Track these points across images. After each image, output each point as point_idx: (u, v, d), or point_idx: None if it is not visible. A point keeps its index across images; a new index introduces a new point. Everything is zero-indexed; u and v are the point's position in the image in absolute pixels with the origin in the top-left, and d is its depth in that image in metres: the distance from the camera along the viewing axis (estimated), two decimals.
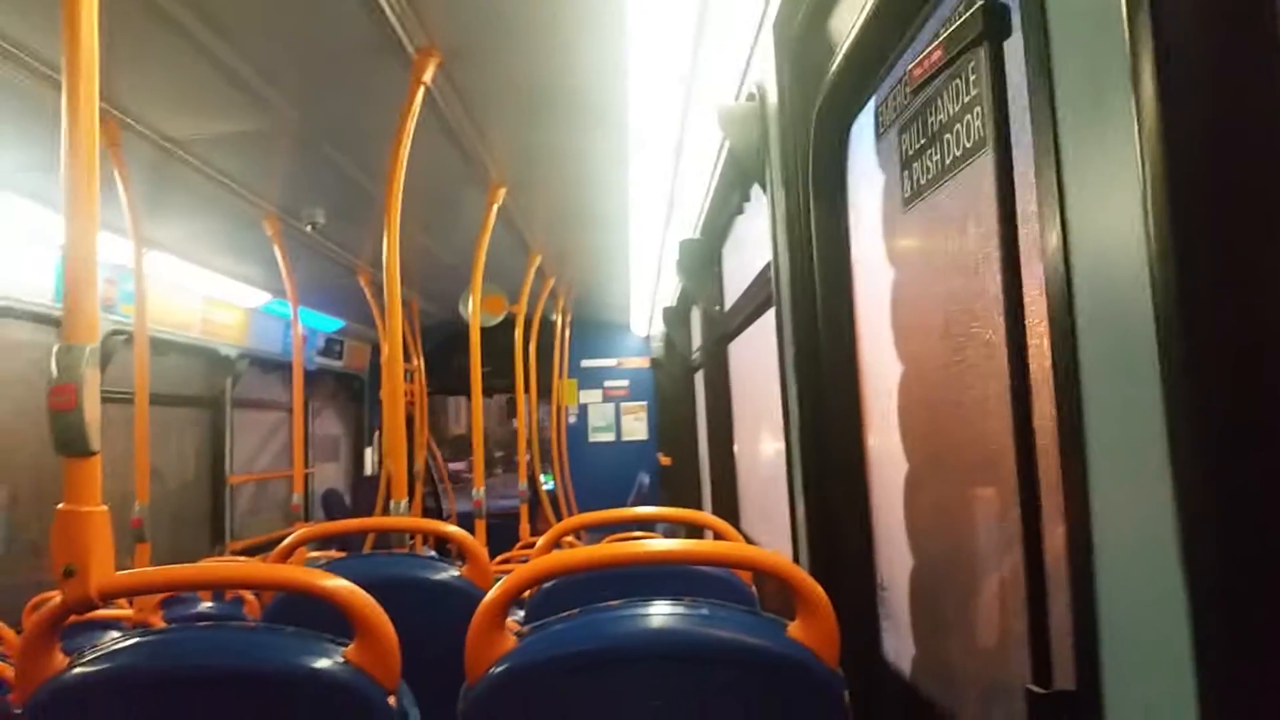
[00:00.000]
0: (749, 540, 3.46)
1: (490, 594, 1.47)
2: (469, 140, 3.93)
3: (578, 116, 3.66)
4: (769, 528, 3.45)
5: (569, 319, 9.17)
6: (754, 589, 2.23)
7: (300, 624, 1.55)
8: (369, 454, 9.75)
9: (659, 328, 7.72)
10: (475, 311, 4.71)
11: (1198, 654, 0.66)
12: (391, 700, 1.46)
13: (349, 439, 10.00)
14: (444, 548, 5.30)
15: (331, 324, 8.46)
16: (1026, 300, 1.00)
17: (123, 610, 3.60)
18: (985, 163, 1.12)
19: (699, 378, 5.66)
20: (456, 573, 2.31)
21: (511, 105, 3.62)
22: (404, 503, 3.09)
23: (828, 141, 1.87)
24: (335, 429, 9.81)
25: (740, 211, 3.43)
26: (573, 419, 10.06)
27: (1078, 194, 0.84)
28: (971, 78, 1.26)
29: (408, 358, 8.13)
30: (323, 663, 1.45)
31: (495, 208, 4.56)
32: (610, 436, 10.14)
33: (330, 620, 1.51)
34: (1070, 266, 0.85)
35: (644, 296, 7.74)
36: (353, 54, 3.07)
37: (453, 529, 2.41)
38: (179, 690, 1.45)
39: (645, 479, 9.16)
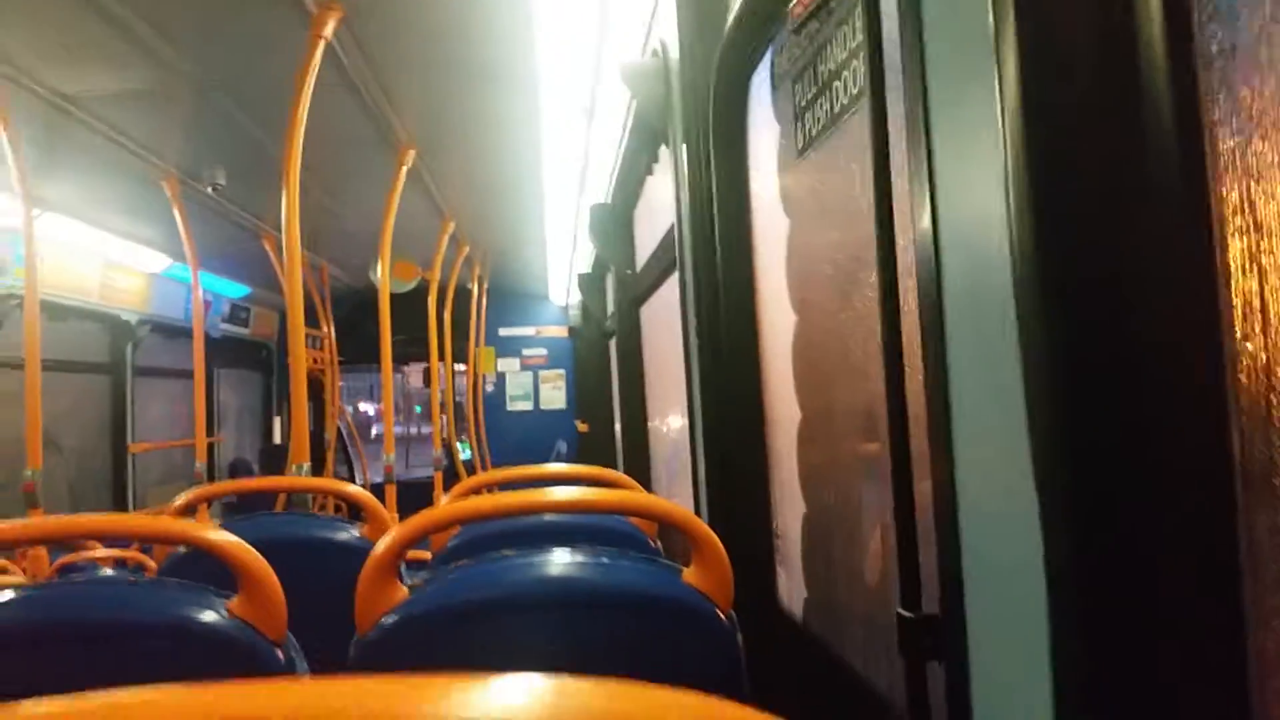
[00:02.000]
0: None
1: (380, 544, 1.45)
2: (375, 99, 3.84)
3: (487, 77, 3.60)
4: (680, 490, 3.48)
5: (485, 287, 9.08)
6: (658, 543, 2.25)
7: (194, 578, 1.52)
8: (278, 423, 9.54)
9: (577, 297, 7.70)
10: (384, 277, 4.63)
11: (1049, 580, 0.70)
12: (279, 653, 1.44)
13: (257, 408, 9.76)
14: (361, 516, 5.21)
15: (237, 290, 8.22)
16: (900, 250, 1.02)
17: (15, 577, 3.48)
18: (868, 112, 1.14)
19: (614, 344, 5.67)
20: (357, 533, 2.29)
21: (419, 64, 3.54)
22: (305, 466, 3.04)
23: (727, 95, 1.88)
24: (243, 397, 9.57)
25: (650, 172, 3.44)
26: (490, 388, 10.00)
27: (943, 153, 0.86)
28: (857, 24, 1.27)
29: (317, 324, 7.95)
30: (206, 615, 1.42)
31: (405, 170, 4.48)
32: (528, 405, 10.11)
33: (224, 579, 1.48)
34: (937, 222, 0.87)
35: (561, 264, 7.70)
36: (250, 7, 2.97)
37: (352, 488, 2.38)
38: (55, 646, 1.40)
39: (563, 446, 9.17)
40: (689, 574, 1.48)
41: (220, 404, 8.70)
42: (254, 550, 1.48)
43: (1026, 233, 0.70)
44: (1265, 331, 0.64)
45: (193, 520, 2.33)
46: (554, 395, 10.14)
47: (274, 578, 1.48)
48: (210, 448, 7.17)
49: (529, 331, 10.14)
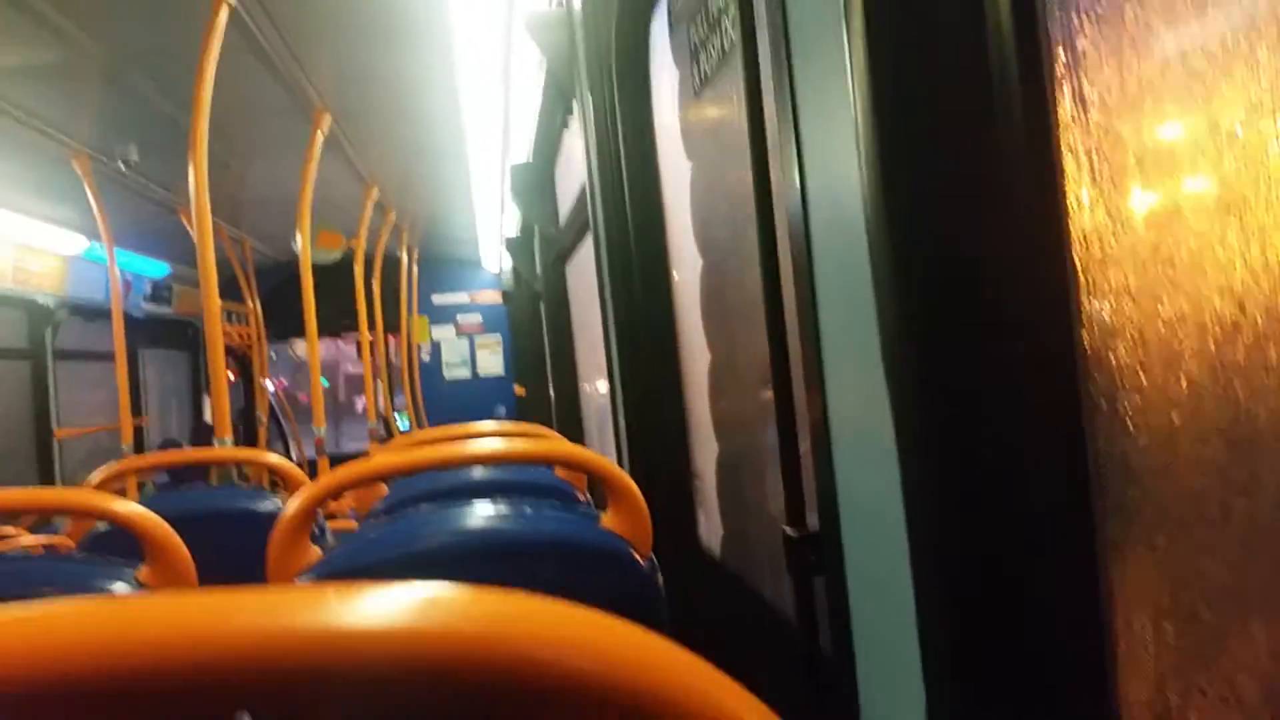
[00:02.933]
0: None
1: (289, 506, 1.44)
2: (286, 64, 3.75)
3: (398, 36, 3.53)
4: (612, 446, 3.50)
5: (415, 255, 8.95)
6: (588, 496, 2.27)
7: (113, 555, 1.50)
8: (208, 401, 9.34)
9: (509, 261, 7.63)
10: (305, 246, 4.54)
11: (906, 501, 0.74)
12: None
13: (186, 388, 9.54)
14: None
15: (159, 268, 7.99)
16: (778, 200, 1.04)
17: None
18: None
19: (543, 304, 5.66)
20: (281, 502, 2.27)
21: (328, 25, 3.46)
22: (228, 439, 3.00)
23: (628, 41, 1.87)
24: (172, 377, 9.34)
25: (565, 126, 3.41)
26: (426, 357, 9.89)
27: (806, 107, 0.87)
28: None
29: (241, 299, 7.78)
30: (111, 585, 1.40)
31: (321, 136, 4.38)
32: (466, 373, 10.03)
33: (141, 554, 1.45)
34: (804, 176, 0.89)
35: (491, 229, 7.62)
36: None
37: (271, 456, 2.36)
38: None
39: (502, 411, 9.15)
40: (606, 519, 1.49)
41: (148, 384, 8.49)
42: (159, 519, 1.46)
43: (875, 189, 0.72)
44: (1105, 267, 0.67)
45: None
46: (491, 361, 10.07)
47: (182, 546, 1.46)
48: (139, 429, 7.00)
49: (463, 298, 10.04)
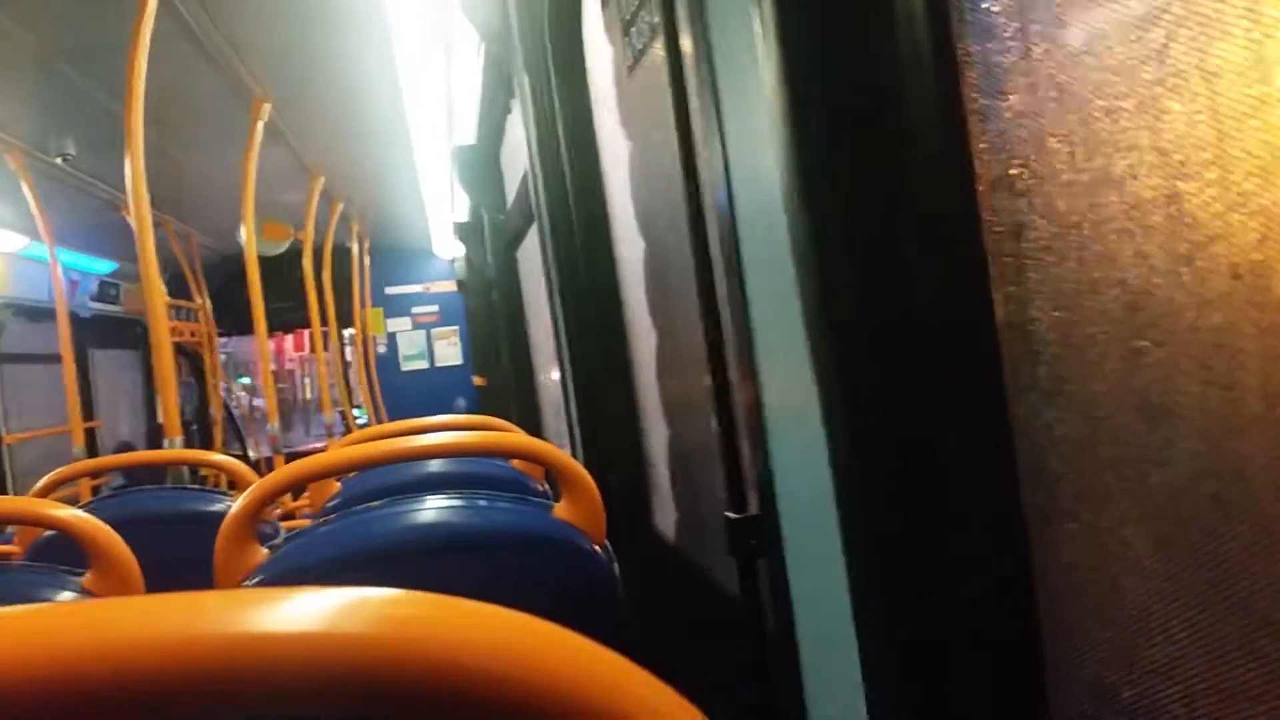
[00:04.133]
0: None
1: (235, 506, 1.42)
2: (221, 51, 3.67)
3: (335, 19, 3.47)
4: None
5: (366, 245, 8.84)
6: (545, 488, 2.25)
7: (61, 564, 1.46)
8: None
9: (462, 248, 7.56)
10: (250, 239, 4.47)
11: (835, 481, 0.75)
12: None
13: (138, 388, 9.36)
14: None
15: (105, 266, 7.81)
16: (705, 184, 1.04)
17: None
18: None
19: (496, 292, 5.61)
20: (232, 503, 2.23)
21: (263, 10, 3.39)
22: (178, 440, 2.95)
23: (563, 18, 1.85)
24: (124, 377, 9.15)
25: (509, 110, 3.37)
26: (382, 349, 9.78)
27: (728, 91, 0.87)
28: None
29: (190, 296, 7.64)
30: (58, 595, 1.37)
31: (260, 124, 4.30)
32: (423, 364, 9.94)
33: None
34: (728, 161, 0.89)
35: (442, 216, 7.53)
36: None
37: (219, 457, 2.32)
38: None
39: (462, 403, 9.08)
40: (559, 509, 1.48)
41: (99, 385, 8.31)
42: (102, 525, 1.43)
43: (791, 179, 0.72)
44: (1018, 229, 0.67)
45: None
46: (449, 352, 9.99)
47: (126, 551, 1.43)
48: (91, 432, 6.86)
49: (417, 288, 9.93)
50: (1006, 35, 0.66)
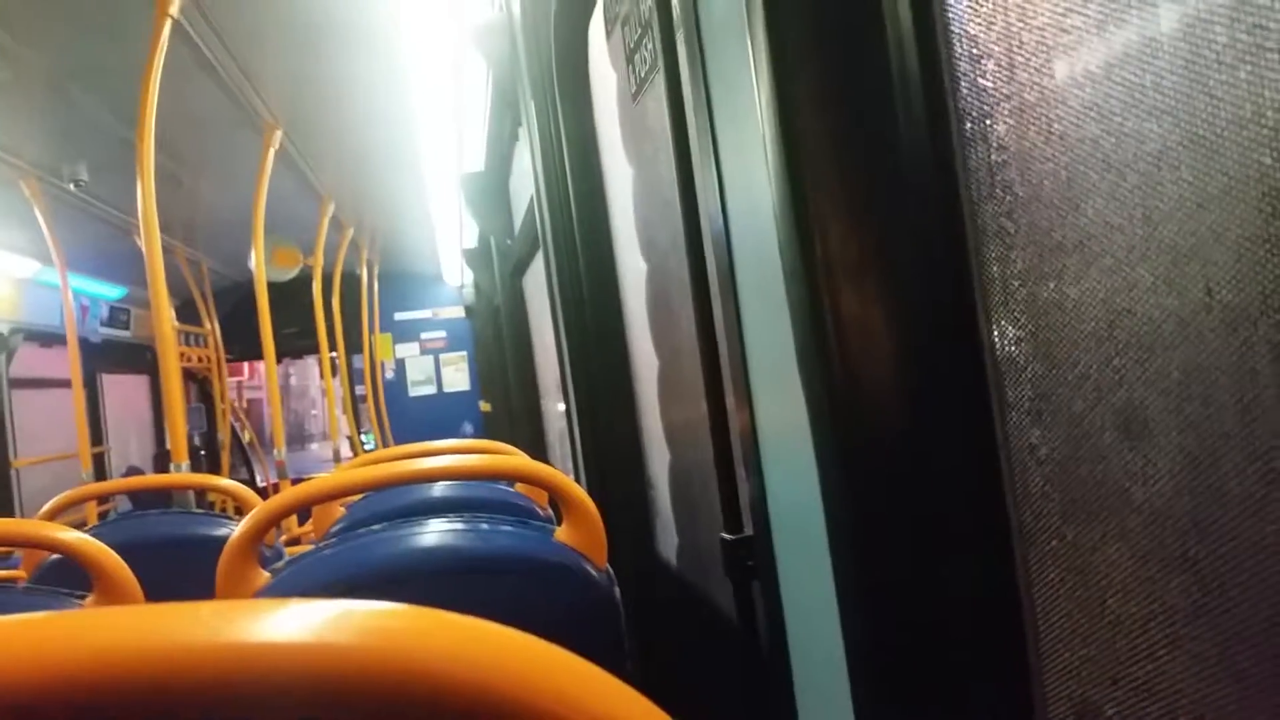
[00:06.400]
0: None
1: (237, 529, 1.43)
2: (234, 78, 3.71)
3: (347, 46, 3.51)
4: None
5: (375, 271, 8.89)
6: (550, 512, 2.26)
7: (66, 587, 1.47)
8: None
9: (470, 274, 7.60)
10: (259, 264, 4.50)
11: (825, 504, 0.76)
12: None
13: (148, 412, 9.40)
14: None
15: (116, 291, 7.87)
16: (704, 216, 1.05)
17: None
18: None
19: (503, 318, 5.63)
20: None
21: (275, 37, 3.43)
22: (184, 465, 2.96)
23: (567, 46, 1.87)
24: (134, 402, 9.20)
25: (516, 137, 3.41)
26: (390, 374, 9.81)
27: (724, 130, 0.89)
28: None
29: (199, 322, 7.68)
30: None
31: (273, 151, 4.35)
32: (431, 389, 9.96)
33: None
34: (723, 189, 0.90)
35: (451, 243, 7.58)
36: None
37: (225, 482, 2.33)
38: None
39: (469, 428, 9.09)
40: (561, 533, 1.49)
41: (109, 410, 8.35)
42: (105, 548, 1.44)
43: (784, 206, 0.74)
44: (1005, 265, 0.68)
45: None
46: (457, 377, 10.01)
47: (129, 574, 1.44)
48: (100, 456, 6.88)
49: (425, 314, 9.96)
50: (995, 61, 0.67)
